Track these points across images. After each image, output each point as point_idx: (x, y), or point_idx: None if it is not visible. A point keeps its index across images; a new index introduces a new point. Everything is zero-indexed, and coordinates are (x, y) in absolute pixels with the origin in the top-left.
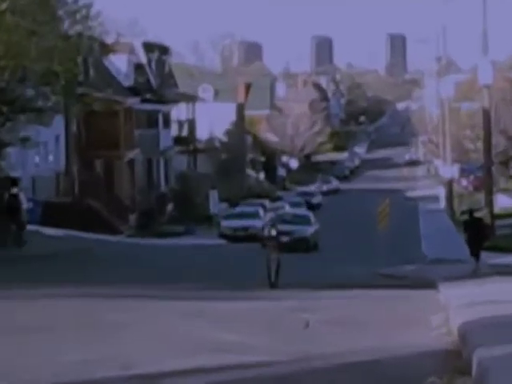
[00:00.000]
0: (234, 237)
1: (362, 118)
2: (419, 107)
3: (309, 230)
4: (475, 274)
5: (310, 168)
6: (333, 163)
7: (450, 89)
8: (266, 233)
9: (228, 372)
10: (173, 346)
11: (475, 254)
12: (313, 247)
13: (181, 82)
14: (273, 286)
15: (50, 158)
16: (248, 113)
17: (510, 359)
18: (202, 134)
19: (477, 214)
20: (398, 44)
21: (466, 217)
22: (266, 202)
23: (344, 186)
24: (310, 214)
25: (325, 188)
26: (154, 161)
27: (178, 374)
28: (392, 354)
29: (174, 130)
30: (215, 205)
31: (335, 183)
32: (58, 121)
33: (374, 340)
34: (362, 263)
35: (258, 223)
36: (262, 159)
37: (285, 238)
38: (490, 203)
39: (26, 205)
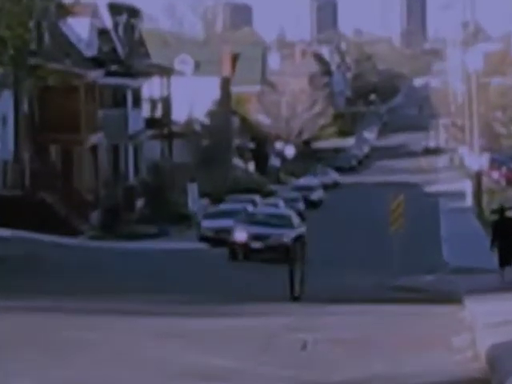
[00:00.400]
0: (216, 240)
1: (373, 97)
2: (441, 83)
3: (289, 235)
4: (506, 287)
5: (310, 157)
6: (337, 151)
7: (479, 61)
8: (234, 236)
9: None
10: (144, 372)
11: (506, 263)
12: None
13: (154, 51)
14: (295, 299)
15: None
16: (235, 89)
17: None
18: (179, 114)
19: (509, 214)
20: (415, 7)
21: (495, 217)
22: (257, 198)
23: (350, 178)
24: (292, 214)
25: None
26: (122, 147)
27: None
28: (406, 383)
29: (145, 110)
30: (194, 201)
31: (333, 175)
32: (6, 98)
33: (385, 365)
34: (371, 273)
35: None
36: (252, 146)
37: (256, 244)
38: None
39: None
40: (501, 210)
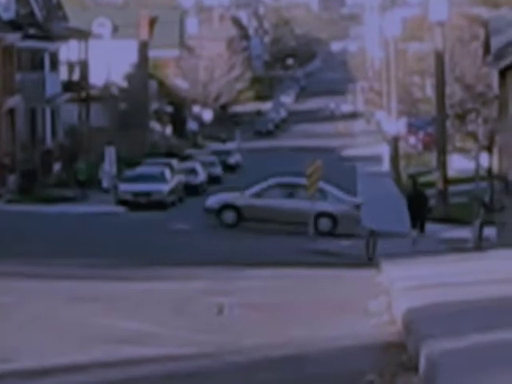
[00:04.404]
0: (134, 203)
1: (290, 61)
2: (358, 48)
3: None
4: (414, 247)
5: (227, 121)
6: (254, 115)
7: (396, 26)
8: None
9: (125, 367)
10: (60, 335)
11: (416, 225)
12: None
13: (72, 14)
14: (370, 260)
15: None
16: (153, 53)
17: (462, 353)
18: (96, 78)
19: (428, 178)
20: None
21: (409, 187)
22: (174, 162)
23: (267, 143)
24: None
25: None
26: (39, 110)
27: (65, 370)
28: (322, 346)
29: (62, 74)
30: (112, 165)
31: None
32: None
33: (301, 329)
34: (287, 237)
35: (163, 187)
36: (170, 110)
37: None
38: (442, 165)
39: None
40: (413, 181)
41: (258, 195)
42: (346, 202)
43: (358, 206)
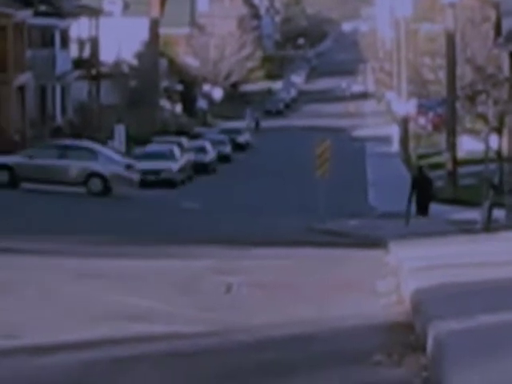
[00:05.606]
0: (143, 181)
1: (301, 41)
2: (369, 28)
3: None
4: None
5: (238, 100)
6: (265, 94)
7: (407, 7)
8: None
9: (134, 345)
10: (67, 312)
11: (421, 213)
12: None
13: None
14: (487, 229)
15: None
16: (163, 31)
17: (469, 334)
18: (107, 55)
19: (438, 159)
20: None
21: (415, 173)
22: (184, 140)
23: (278, 122)
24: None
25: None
26: (49, 87)
27: (74, 347)
28: (330, 326)
29: (73, 51)
30: (121, 142)
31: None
32: None
33: (309, 309)
34: (296, 216)
35: (173, 165)
36: (180, 88)
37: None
38: (452, 146)
39: None
40: (419, 169)
41: (31, 156)
42: (118, 162)
43: (129, 167)
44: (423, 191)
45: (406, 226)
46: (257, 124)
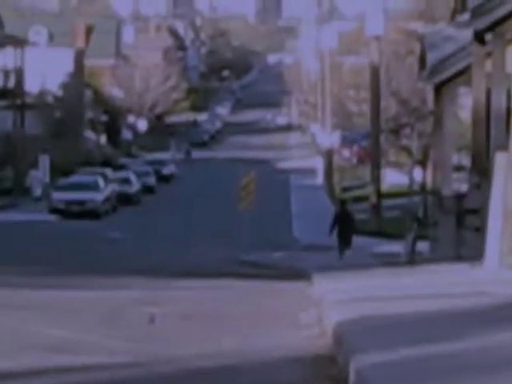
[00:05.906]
0: (67, 212)
1: (226, 73)
2: (294, 61)
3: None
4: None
5: (162, 131)
6: (190, 126)
7: (333, 39)
8: None
9: (55, 376)
10: None
11: (343, 249)
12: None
13: (8, 21)
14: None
15: None
16: (89, 62)
17: (391, 367)
18: (32, 86)
19: (361, 192)
20: None
21: (337, 208)
22: (108, 171)
23: (202, 153)
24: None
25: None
26: None
27: None
28: (253, 357)
29: None
30: (45, 173)
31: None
32: None
33: (231, 341)
34: (221, 248)
35: (97, 196)
36: (104, 119)
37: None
38: (376, 179)
39: None
40: (342, 202)
41: None
42: None
43: None
44: (345, 225)
45: (340, 258)
46: (187, 154)
